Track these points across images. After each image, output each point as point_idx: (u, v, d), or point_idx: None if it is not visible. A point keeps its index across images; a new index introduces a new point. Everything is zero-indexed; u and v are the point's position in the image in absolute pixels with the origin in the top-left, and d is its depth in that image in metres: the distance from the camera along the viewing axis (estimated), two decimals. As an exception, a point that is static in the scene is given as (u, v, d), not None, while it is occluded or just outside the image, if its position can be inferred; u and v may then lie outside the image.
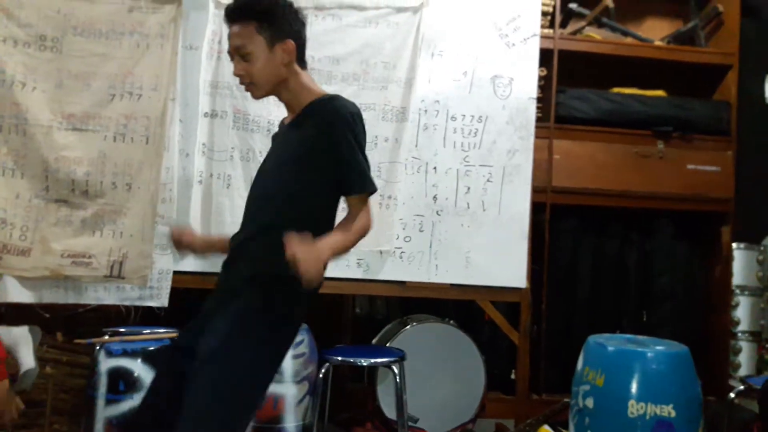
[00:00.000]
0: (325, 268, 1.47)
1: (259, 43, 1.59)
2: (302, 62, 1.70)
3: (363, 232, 1.61)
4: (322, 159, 1.59)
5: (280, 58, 1.62)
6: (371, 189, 1.63)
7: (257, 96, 1.67)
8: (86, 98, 2.61)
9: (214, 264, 2.69)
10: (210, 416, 1.43)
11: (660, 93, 3.49)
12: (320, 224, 1.61)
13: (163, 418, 1.50)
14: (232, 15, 1.62)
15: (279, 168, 1.65)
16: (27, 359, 2.13)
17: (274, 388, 2.42)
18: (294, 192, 1.61)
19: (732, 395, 2.47)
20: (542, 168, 3.20)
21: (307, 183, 1.60)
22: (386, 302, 3.45)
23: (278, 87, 1.67)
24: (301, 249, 1.38)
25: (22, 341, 2.18)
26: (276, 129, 1.91)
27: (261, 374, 1.53)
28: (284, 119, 1.79)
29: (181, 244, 1.81)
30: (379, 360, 2.48)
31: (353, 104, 1.64)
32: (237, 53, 1.61)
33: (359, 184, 1.61)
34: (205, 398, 1.44)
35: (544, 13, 3.21)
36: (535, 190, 3.04)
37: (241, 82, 1.65)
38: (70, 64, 2.60)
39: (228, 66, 2.71)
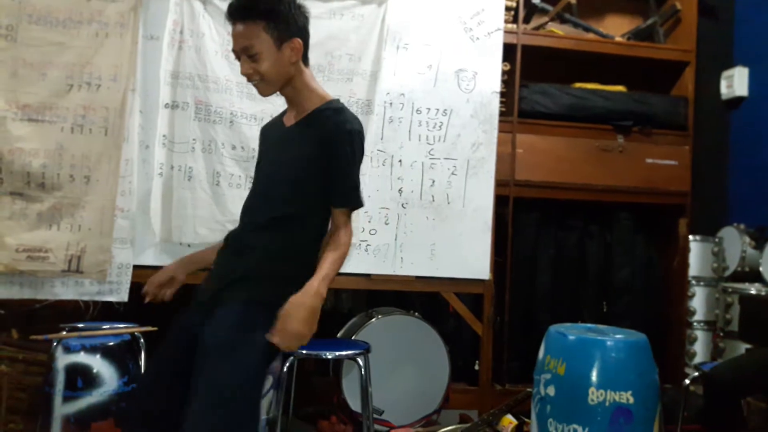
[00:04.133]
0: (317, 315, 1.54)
1: (266, 42, 1.58)
2: (306, 59, 1.69)
3: (348, 249, 1.64)
4: (322, 169, 1.63)
5: (288, 56, 1.61)
6: (360, 204, 1.68)
7: (266, 94, 1.66)
8: (42, 88, 2.54)
9: (174, 258, 2.66)
10: (212, 411, 1.45)
11: (620, 88, 3.56)
12: (319, 225, 1.67)
13: (161, 403, 1.55)
14: (236, 14, 1.59)
15: (283, 168, 1.66)
16: None
17: (237, 382, 2.40)
18: (297, 193, 1.64)
19: (687, 382, 2.54)
20: (505, 161, 3.24)
21: (309, 187, 1.64)
22: (352, 295, 3.45)
23: (284, 84, 1.67)
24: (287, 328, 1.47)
25: None
26: (252, 119, 1.94)
27: (262, 368, 1.58)
28: (284, 115, 1.77)
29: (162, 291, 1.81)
30: (343, 353, 2.48)
31: (358, 121, 1.68)
32: (244, 53, 1.59)
33: (350, 197, 1.65)
34: (209, 393, 1.46)
35: (507, 8, 3.24)
36: (499, 184, 3.08)
37: (249, 80, 1.64)
38: (26, 53, 2.53)
39: (189, 56, 2.71)
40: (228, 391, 1.46)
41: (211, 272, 1.71)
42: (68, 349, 2.16)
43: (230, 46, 2.77)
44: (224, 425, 1.44)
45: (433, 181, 2.96)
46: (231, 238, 1.74)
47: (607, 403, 2.13)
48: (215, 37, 2.73)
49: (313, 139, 1.63)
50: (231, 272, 1.62)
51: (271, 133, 1.81)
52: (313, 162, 1.62)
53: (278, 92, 1.69)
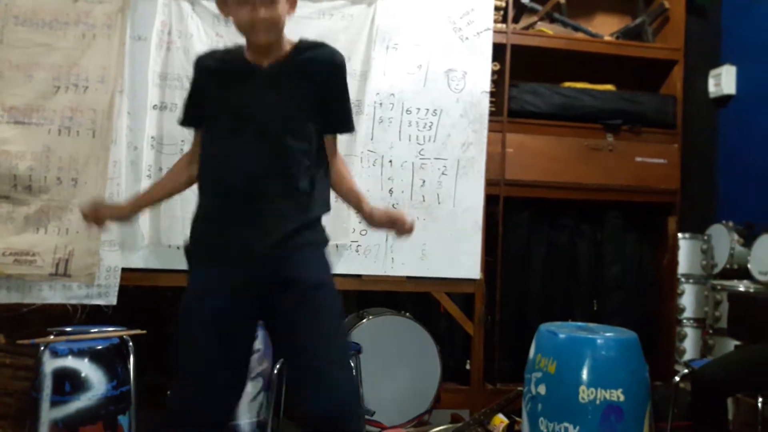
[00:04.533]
0: None
1: None
2: None
3: None
4: (320, 99, 1.68)
5: (290, 8, 1.66)
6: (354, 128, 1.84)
7: (267, 41, 1.64)
8: (29, 90, 2.52)
9: (163, 261, 2.69)
10: (341, 331, 1.71)
11: (609, 87, 3.57)
12: (324, 157, 1.75)
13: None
14: None
15: (284, 108, 1.66)
16: None
17: (228, 385, 2.39)
18: (305, 131, 1.67)
19: (677, 379, 2.55)
20: (496, 161, 3.24)
21: (312, 122, 1.69)
22: (342, 296, 3.43)
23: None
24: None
25: None
26: None
27: None
28: (241, 55, 1.70)
29: (99, 219, 1.79)
30: (335, 354, 2.46)
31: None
32: None
33: (351, 121, 1.78)
34: (332, 317, 1.65)
35: (496, 8, 3.24)
36: (489, 183, 3.08)
37: (254, 27, 1.60)
38: (12, 55, 2.50)
39: (177, 57, 2.69)
40: (340, 319, 1.74)
41: (232, 230, 1.63)
42: (56, 354, 2.14)
43: (218, 47, 2.77)
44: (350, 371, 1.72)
45: (424, 181, 2.96)
46: (236, 190, 1.64)
47: (597, 402, 2.13)
48: (203, 38, 2.72)
49: (314, 74, 1.67)
50: (284, 222, 1.63)
51: (234, 70, 1.71)
52: (313, 95, 1.67)
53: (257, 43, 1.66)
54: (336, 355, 1.63)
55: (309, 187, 1.66)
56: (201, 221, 1.71)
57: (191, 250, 1.71)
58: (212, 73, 1.73)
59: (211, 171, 1.69)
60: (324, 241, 1.73)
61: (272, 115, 1.65)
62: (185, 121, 1.81)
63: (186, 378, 1.62)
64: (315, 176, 1.68)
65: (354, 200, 1.80)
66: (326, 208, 1.75)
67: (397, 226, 1.75)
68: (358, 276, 2.89)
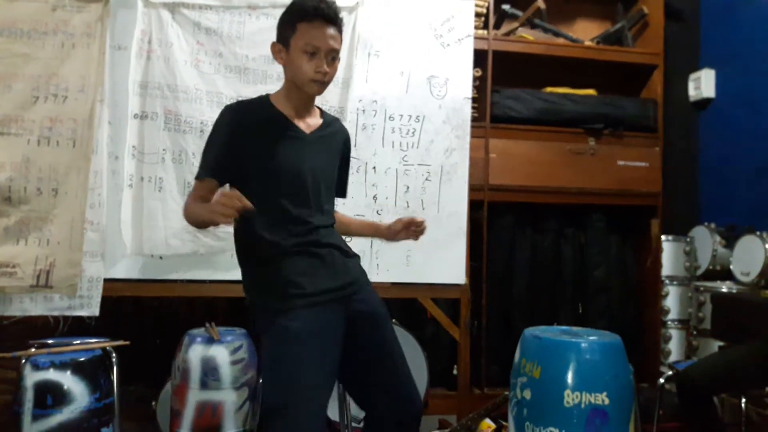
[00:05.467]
0: None
1: (340, 50, 1.82)
2: None
3: None
4: (341, 171, 1.99)
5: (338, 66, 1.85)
6: None
7: (320, 93, 1.84)
8: (7, 101, 2.49)
9: (145, 271, 2.67)
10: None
11: (591, 92, 3.61)
12: None
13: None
14: (333, 17, 1.77)
15: (326, 175, 1.89)
16: None
17: (212, 396, 2.37)
18: (333, 194, 1.97)
19: (662, 381, 2.57)
20: (479, 166, 3.26)
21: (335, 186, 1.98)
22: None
23: None
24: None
25: None
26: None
27: None
28: (276, 111, 1.83)
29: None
30: (320, 361, 2.45)
31: None
32: (330, 54, 1.77)
33: (346, 190, 2.09)
34: (401, 355, 1.93)
35: (477, 14, 3.27)
36: (473, 188, 3.09)
37: (319, 79, 1.77)
38: (-11, 65, 2.49)
39: (158, 66, 2.68)
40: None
41: (321, 274, 1.79)
42: (37, 366, 2.11)
43: (198, 55, 2.77)
44: None
45: (408, 187, 2.96)
46: (315, 243, 1.80)
47: (582, 405, 2.13)
48: (184, 46, 2.71)
49: (339, 147, 1.94)
50: (352, 268, 1.89)
51: (278, 131, 1.81)
52: (338, 162, 1.95)
53: (301, 98, 1.84)
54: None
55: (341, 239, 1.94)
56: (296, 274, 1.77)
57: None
58: (251, 127, 1.79)
59: (278, 220, 1.78)
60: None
61: (316, 177, 1.84)
62: (215, 173, 1.80)
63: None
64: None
65: (368, 229, 2.15)
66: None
67: (413, 227, 1.98)
68: (344, 283, 2.88)
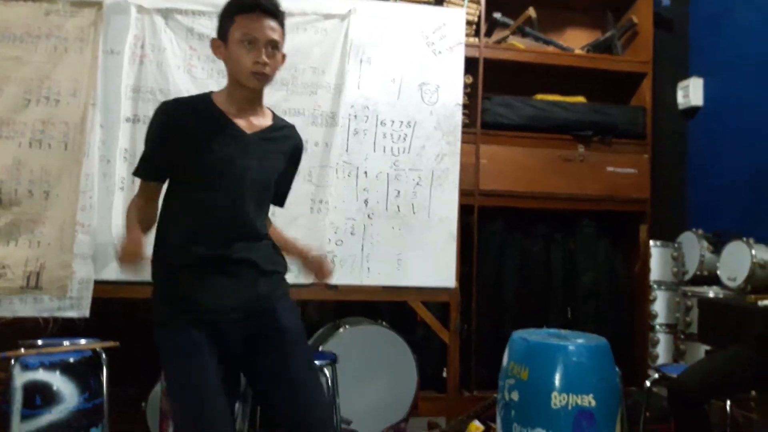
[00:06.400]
0: None
1: (281, 43, 1.78)
2: None
3: None
4: (285, 178, 1.92)
5: (281, 59, 1.81)
6: None
7: (262, 86, 1.78)
8: (-1, 103, 2.52)
9: (136, 273, 2.66)
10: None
11: (580, 99, 3.64)
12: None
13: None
14: (270, 9, 1.74)
15: (267, 180, 1.82)
16: None
17: (202, 397, 2.38)
18: (268, 201, 1.89)
19: (648, 383, 2.59)
20: (470, 172, 3.29)
21: (271, 194, 1.90)
22: (319, 306, 3.45)
23: None
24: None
25: None
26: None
27: None
28: (215, 108, 1.76)
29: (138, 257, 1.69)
30: (310, 364, 2.46)
31: None
32: (269, 45, 1.73)
33: (285, 201, 2.01)
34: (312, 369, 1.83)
35: (469, 22, 3.30)
36: (464, 193, 3.12)
37: (259, 71, 1.72)
38: (-19, 68, 2.51)
39: (151, 70, 2.70)
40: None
41: (215, 292, 1.70)
42: (26, 367, 2.12)
43: (191, 60, 2.79)
44: None
45: (399, 192, 2.99)
46: (220, 258, 1.71)
47: (569, 407, 2.16)
48: (177, 51, 2.73)
49: (285, 154, 1.85)
50: (262, 285, 1.76)
51: (213, 127, 1.74)
52: (281, 167, 1.85)
53: (244, 93, 1.76)
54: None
55: (269, 249, 1.84)
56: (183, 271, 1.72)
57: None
58: (186, 125, 1.73)
59: (195, 220, 1.72)
60: (287, 291, 1.88)
61: (253, 182, 1.76)
62: (149, 175, 1.78)
63: None
64: (267, 235, 1.86)
65: (285, 246, 1.93)
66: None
67: (322, 271, 1.90)
68: (335, 286, 2.90)
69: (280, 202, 1.98)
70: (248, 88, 1.73)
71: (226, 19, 1.74)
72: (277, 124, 1.85)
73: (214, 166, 1.71)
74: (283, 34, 1.77)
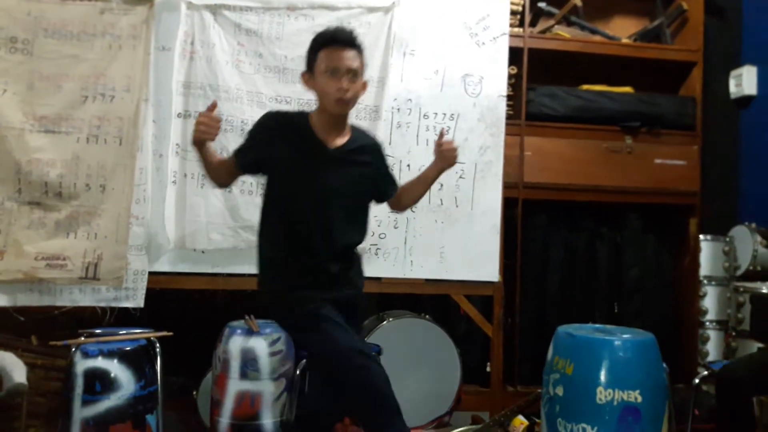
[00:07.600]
0: None
1: (361, 69, 2.04)
2: None
3: None
4: (377, 184, 2.22)
5: (362, 87, 2.08)
6: None
7: (347, 111, 2.07)
8: (58, 100, 2.61)
9: (188, 265, 2.75)
10: None
11: (627, 89, 3.57)
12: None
13: None
14: (348, 41, 2.01)
15: (355, 195, 2.13)
16: (19, 379, 2.12)
17: (251, 386, 2.44)
18: (364, 219, 2.20)
19: (696, 380, 2.54)
20: (514, 164, 3.26)
21: (367, 208, 2.23)
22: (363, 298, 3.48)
23: None
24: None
25: (16, 366, 2.17)
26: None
27: None
28: (308, 128, 2.09)
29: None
30: (355, 355, 2.49)
31: None
32: (349, 73, 1.99)
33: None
34: None
35: (513, 12, 3.26)
36: (507, 186, 3.10)
37: (343, 97, 1.99)
38: (42, 66, 2.60)
39: (201, 66, 2.76)
40: None
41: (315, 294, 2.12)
42: (86, 354, 2.20)
43: (239, 56, 2.84)
44: None
45: (441, 185, 2.99)
46: (317, 270, 2.11)
47: (615, 402, 2.14)
48: (225, 47, 2.78)
49: (370, 166, 2.15)
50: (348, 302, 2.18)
51: (304, 147, 2.06)
52: (376, 181, 2.22)
53: (330, 114, 2.07)
54: None
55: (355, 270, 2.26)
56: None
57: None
58: (281, 136, 2.09)
59: (285, 226, 2.10)
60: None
61: (340, 192, 2.07)
62: (243, 165, 2.15)
63: None
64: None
65: (418, 185, 2.31)
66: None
67: (443, 147, 2.18)
68: (378, 279, 2.93)
69: (382, 197, 2.29)
70: (333, 114, 2.03)
71: (311, 53, 2.03)
72: (353, 135, 2.12)
73: (299, 181, 2.05)
74: (362, 63, 2.03)
